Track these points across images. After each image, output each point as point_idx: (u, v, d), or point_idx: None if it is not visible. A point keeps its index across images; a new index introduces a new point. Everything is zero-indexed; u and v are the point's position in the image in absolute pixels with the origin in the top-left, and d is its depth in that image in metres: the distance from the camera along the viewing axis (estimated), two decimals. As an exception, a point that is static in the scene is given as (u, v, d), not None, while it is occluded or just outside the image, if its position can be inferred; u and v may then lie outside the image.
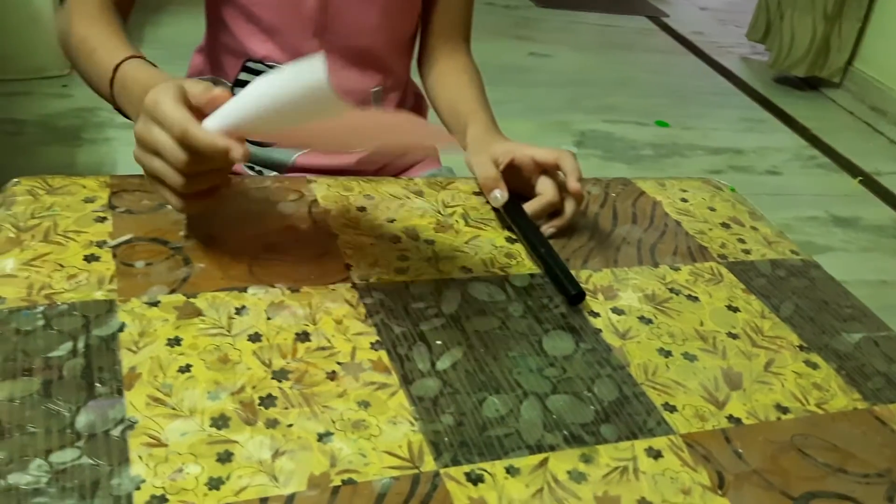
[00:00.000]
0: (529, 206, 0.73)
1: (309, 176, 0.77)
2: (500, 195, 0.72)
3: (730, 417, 0.57)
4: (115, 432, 0.47)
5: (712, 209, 0.85)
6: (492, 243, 0.71)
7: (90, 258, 0.60)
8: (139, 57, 0.69)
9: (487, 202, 0.77)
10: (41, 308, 0.54)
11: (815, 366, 0.65)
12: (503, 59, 3.06)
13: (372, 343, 0.57)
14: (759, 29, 3.40)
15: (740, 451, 0.55)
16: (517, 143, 0.76)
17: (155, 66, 0.69)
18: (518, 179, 0.75)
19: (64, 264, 0.58)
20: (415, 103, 1.01)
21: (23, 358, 0.50)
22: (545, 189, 0.73)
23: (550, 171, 0.74)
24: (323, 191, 0.74)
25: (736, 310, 0.69)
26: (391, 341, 0.58)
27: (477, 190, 0.79)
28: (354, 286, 0.62)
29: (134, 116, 0.65)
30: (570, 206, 0.74)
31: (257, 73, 0.85)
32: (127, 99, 0.68)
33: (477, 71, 0.95)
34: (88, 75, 0.74)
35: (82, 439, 0.46)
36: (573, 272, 0.69)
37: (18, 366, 0.50)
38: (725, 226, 0.83)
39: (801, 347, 0.66)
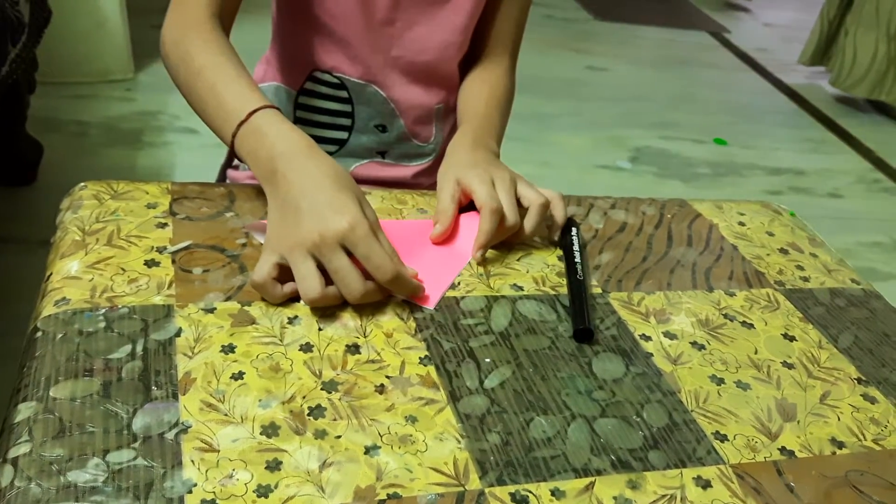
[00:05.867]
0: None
1: (364, 188, 0.77)
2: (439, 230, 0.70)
3: (782, 449, 0.56)
4: (170, 435, 0.48)
5: (771, 234, 0.84)
6: (544, 261, 0.71)
7: (150, 263, 0.61)
8: (268, 107, 0.67)
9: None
10: (103, 310, 0.56)
11: (873, 400, 0.63)
12: (559, 72, 3.06)
13: (421, 358, 0.58)
14: (814, 53, 3.27)
15: (792, 484, 0.54)
16: (471, 171, 0.71)
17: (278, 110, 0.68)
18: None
19: (125, 268, 0.60)
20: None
21: (84, 358, 0.52)
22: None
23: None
24: (377, 203, 0.75)
25: (792, 339, 0.68)
26: (440, 357, 0.58)
27: (530, 207, 0.79)
28: (405, 300, 0.63)
29: (255, 168, 0.65)
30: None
31: (323, 83, 0.87)
32: (252, 151, 0.65)
33: (507, 88, 0.89)
34: (200, 107, 0.70)
35: (138, 441, 0.47)
36: (625, 294, 0.69)
37: (80, 366, 0.52)
38: (784, 251, 0.81)
39: (859, 380, 0.65)
